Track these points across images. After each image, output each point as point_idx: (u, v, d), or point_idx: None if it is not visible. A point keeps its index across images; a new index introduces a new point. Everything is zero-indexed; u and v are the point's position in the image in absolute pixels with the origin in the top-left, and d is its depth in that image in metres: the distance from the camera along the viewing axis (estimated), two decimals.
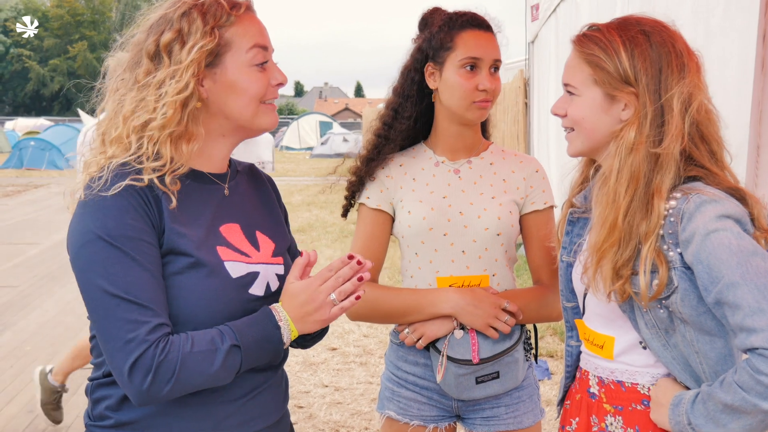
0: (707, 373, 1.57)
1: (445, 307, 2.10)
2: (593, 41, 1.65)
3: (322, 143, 31.63)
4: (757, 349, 1.38)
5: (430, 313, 2.11)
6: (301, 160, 29.85)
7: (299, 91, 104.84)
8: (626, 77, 1.60)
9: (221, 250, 1.57)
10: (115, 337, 1.41)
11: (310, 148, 34.90)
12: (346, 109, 70.41)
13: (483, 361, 2.09)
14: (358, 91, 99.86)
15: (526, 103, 9.00)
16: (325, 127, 37.58)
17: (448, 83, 2.13)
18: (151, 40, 1.55)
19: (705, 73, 1.64)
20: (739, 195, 1.57)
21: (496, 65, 2.15)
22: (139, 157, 1.53)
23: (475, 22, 2.14)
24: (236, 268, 1.57)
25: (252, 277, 1.60)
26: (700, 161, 1.60)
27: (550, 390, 4.78)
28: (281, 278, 1.67)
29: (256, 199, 1.75)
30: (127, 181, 1.48)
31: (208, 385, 1.47)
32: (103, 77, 1.64)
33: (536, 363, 2.31)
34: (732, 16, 3.34)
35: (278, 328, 1.52)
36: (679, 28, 1.65)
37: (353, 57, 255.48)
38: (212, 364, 1.44)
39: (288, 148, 38.02)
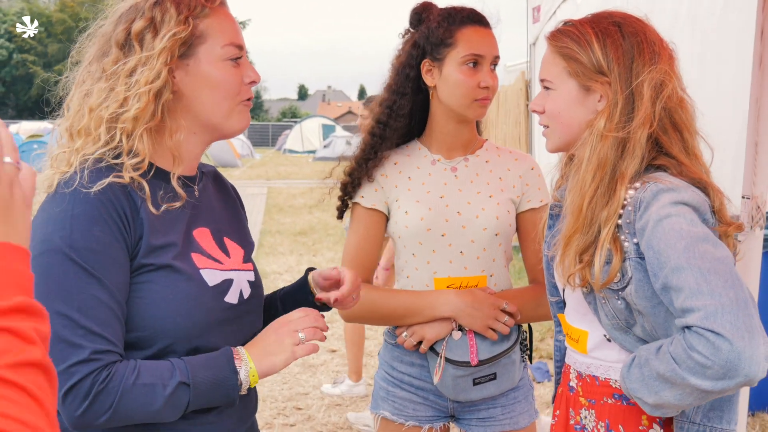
0: None
1: (445, 310, 2.07)
2: (566, 35, 1.67)
3: (324, 146, 31.60)
4: (692, 327, 1.38)
5: (430, 315, 2.08)
6: (304, 163, 29.85)
7: (303, 94, 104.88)
8: (599, 67, 1.62)
9: (196, 258, 1.51)
10: (57, 358, 1.31)
11: (313, 152, 34.91)
12: (350, 112, 70.42)
13: (482, 362, 2.06)
14: (362, 95, 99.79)
15: (527, 105, 8.98)
16: (328, 131, 37.59)
17: (449, 80, 2.09)
18: (120, 29, 1.49)
19: (679, 64, 1.65)
20: (701, 185, 1.57)
21: (495, 62, 2.12)
22: (112, 150, 1.45)
23: (475, 18, 2.11)
24: (212, 276, 1.51)
25: (227, 284, 1.54)
26: (668, 149, 1.60)
27: (549, 392, 4.75)
28: (252, 285, 1.62)
29: (221, 203, 1.69)
30: (110, 179, 1.41)
31: (151, 420, 1.38)
32: (70, 70, 1.57)
33: (530, 363, 2.29)
34: (729, 15, 3.33)
35: (236, 372, 1.43)
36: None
37: (357, 61, 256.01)
38: (155, 400, 1.35)
39: (291, 151, 38.05)
